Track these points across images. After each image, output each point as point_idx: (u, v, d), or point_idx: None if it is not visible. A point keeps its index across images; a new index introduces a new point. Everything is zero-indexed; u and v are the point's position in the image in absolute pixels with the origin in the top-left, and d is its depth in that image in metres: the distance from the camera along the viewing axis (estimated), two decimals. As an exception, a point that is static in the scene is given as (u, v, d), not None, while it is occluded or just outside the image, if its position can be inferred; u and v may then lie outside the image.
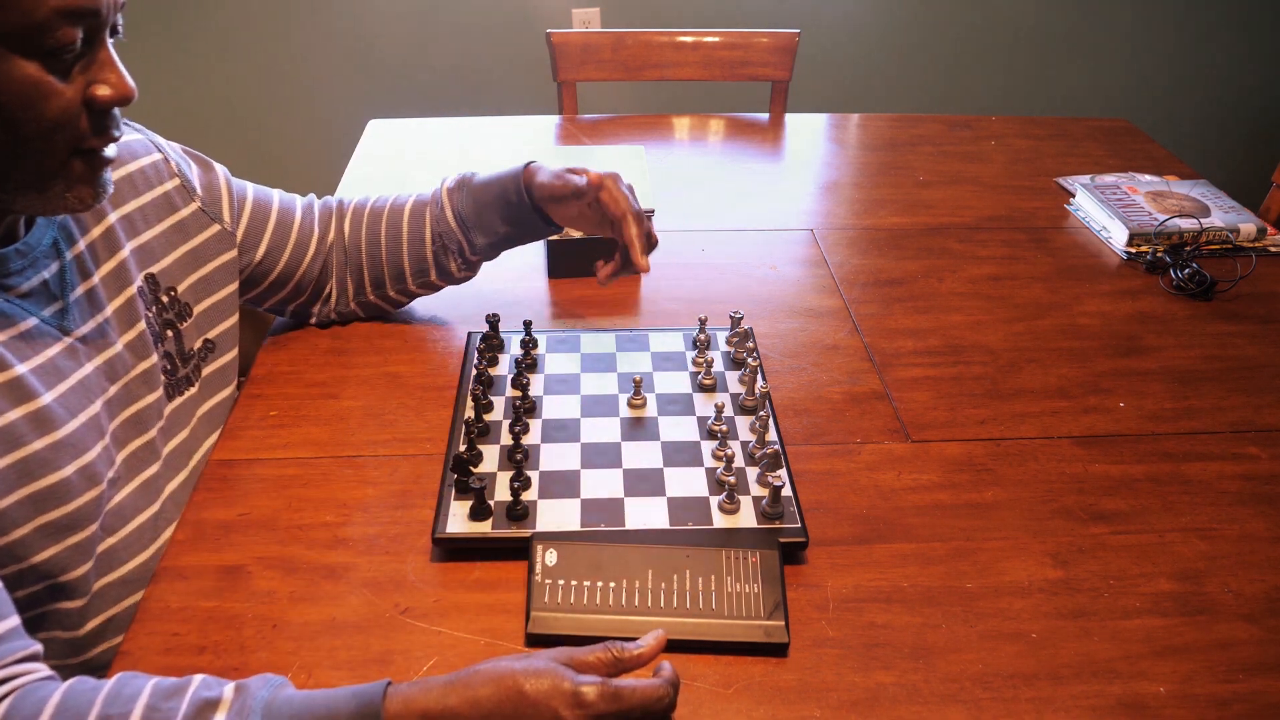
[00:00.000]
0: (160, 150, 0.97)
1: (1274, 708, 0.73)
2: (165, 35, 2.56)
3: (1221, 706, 0.73)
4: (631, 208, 1.02)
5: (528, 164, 1.07)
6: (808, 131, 1.77)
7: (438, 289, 1.14)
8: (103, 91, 0.75)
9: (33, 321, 0.80)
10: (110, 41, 0.76)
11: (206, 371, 0.99)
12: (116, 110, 0.78)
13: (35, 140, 0.73)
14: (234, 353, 1.03)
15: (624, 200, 1.02)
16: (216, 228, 1.00)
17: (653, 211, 1.40)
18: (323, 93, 2.68)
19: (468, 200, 1.08)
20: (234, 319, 1.02)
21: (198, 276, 0.98)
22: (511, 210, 1.07)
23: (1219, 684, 0.74)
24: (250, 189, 1.05)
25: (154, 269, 0.94)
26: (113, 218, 0.90)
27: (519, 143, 1.67)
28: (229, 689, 0.64)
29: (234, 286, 1.02)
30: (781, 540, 0.82)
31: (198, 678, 0.65)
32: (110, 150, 0.79)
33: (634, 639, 0.68)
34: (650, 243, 1.05)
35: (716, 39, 1.86)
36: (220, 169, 1.03)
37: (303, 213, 1.08)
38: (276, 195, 1.08)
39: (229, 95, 2.67)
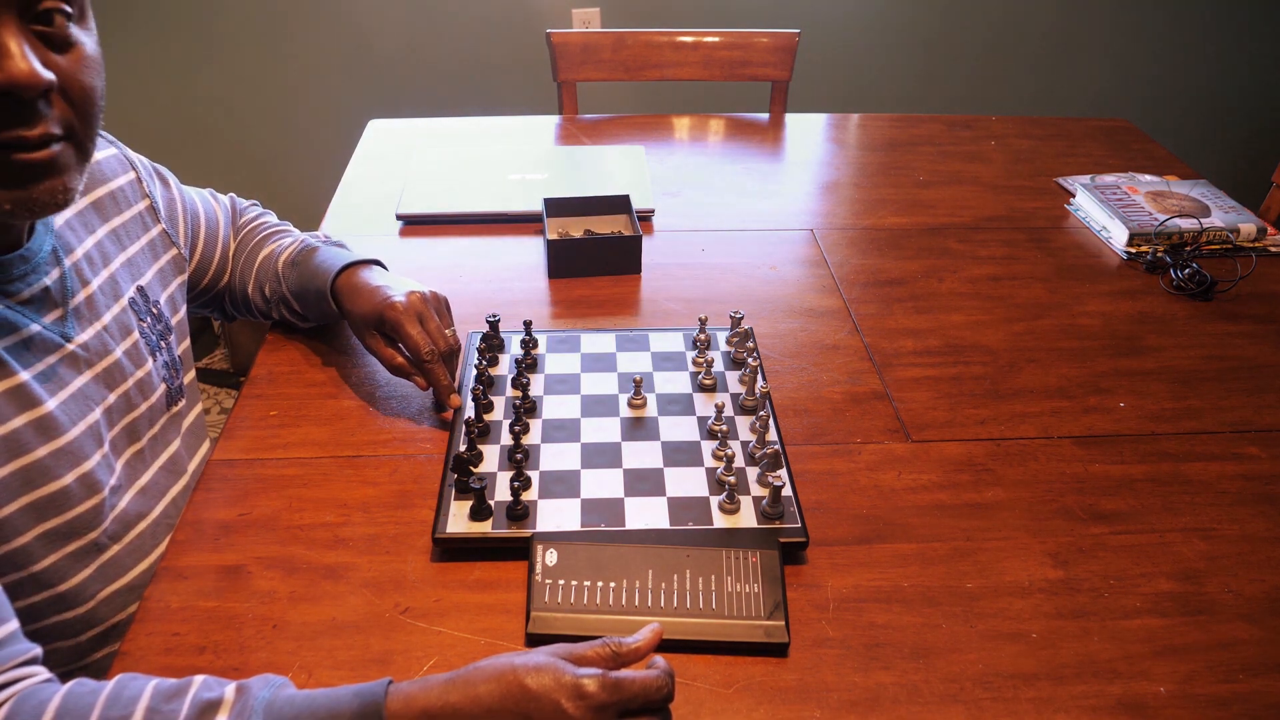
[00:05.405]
0: (134, 168, 0.99)
1: (1274, 708, 0.73)
2: (163, 35, 2.55)
3: (1222, 707, 0.72)
4: (436, 351, 0.94)
5: (343, 268, 1.01)
6: (808, 131, 1.77)
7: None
8: None
9: (34, 328, 0.80)
10: (24, 22, 0.66)
11: (186, 383, 1.01)
12: (40, 103, 0.68)
13: None
14: (193, 372, 1.04)
15: (423, 341, 0.93)
16: (175, 250, 1.02)
17: (652, 211, 1.40)
18: (323, 93, 2.68)
19: (295, 280, 1.07)
20: (187, 339, 1.03)
21: (166, 295, 1.00)
22: (324, 308, 1.04)
23: (1219, 684, 0.74)
24: (192, 198, 1.08)
25: (142, 282, 0.95)
26: (102, 231, 0.91)
27: (519, 142, 1.67)
28: (230, 690, 0.64)
29: (184, 308, 1.04)
30: (781, 540, 0.82)
31: (198, 679, 0.65)
32: (38, 152, 0.69)
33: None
34: (454, 351, 0.97)
35: (716, 39, 1.86)
36: (174, 183, 1.05)
37: (223, 220, 1.11)
38: (201, 204, 1.09)
39: (229, 95, 2.67)
